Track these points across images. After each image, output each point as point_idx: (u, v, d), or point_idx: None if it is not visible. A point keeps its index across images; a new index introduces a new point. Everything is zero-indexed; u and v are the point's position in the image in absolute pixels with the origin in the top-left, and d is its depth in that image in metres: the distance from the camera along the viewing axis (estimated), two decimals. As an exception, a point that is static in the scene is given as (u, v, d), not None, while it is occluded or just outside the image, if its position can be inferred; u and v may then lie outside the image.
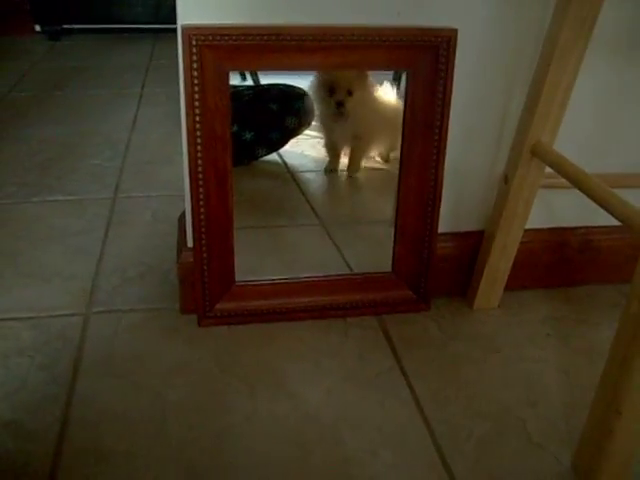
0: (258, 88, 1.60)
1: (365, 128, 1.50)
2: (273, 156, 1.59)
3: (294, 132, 1.57)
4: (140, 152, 1.84)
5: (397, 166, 1.06)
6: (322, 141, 1.55)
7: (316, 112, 1.49)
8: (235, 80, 1.61)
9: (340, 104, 1.38)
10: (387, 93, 1.43)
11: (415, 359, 1.03)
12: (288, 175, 1.58)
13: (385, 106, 1.46)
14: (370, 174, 1.57)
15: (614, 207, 0.82)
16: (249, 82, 1.65)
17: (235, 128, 1.53)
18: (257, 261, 1.20)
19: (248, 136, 1.56)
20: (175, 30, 0.93)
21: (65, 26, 3.15)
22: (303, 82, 1.46)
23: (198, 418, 0.90)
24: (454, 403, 0.95)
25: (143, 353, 1.03)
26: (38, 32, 3.16)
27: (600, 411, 0.80)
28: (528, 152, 1.00)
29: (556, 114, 0.99)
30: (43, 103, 2.25)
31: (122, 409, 0.92)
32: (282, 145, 1.60)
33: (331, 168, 1.56)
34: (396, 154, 1.43)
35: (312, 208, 1.42)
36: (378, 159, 1.56)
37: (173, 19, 0.94)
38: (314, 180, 1.62)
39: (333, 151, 1.55)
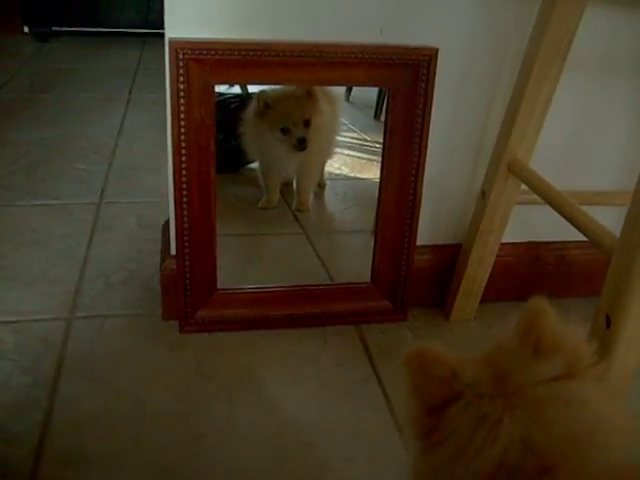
0: (245, 96, 1.62)
1: (317, 153, 1.41)
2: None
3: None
4: (126, 157, 1.85)
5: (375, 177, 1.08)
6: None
7: (260, 150, 1.38)
8: (222, 88, 1.64)
9: (302, 140, 1.28)
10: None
11: (391, 368, 1.05)
12: (259, 205, 1.59)
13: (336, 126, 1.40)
14: (352, 183, 1.60)
15: (582, 224, 0.85)
16: (237, 89, 1.67)
17: (221, 136, 1.55)
18: (240, 268, 1.22)
19: (234, 144, 1.58)
20: (164, 35, 0.95)
21: (54, 28, 3.15)
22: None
23: (177, 423, 0.92)
24: (428, 412, 0.97)
25: (124, 358, 1.04)
26: (26, 33, 3.16)
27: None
28: (505, 168, 1.03)
29: (533, 132, 1.02)
30: (30, 105, 2.26)
31: (103, 413, 0.93)
32: (267, 153, 1.61)
33: (270, 206, 1.46)
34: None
35: (295, 216, 1.44)
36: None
37: (162, 24, 0.96)
38: (283, 212, 1.63)
39: (274, 186, 1.46)
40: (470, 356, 0.53)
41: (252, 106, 1.34)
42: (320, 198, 1.58)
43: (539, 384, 0.48)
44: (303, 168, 1.43)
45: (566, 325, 0.52)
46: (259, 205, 1.45)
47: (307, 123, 1.28)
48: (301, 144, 1.29)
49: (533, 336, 0.50)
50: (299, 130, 1.28)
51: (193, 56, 0.93)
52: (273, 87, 1.29)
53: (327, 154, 1.51)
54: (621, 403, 0.61)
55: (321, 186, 1.52)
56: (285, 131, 1.28)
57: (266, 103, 1.27)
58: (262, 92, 1.30)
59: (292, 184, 1.50)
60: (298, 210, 1.43)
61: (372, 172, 1.08)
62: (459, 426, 0.48)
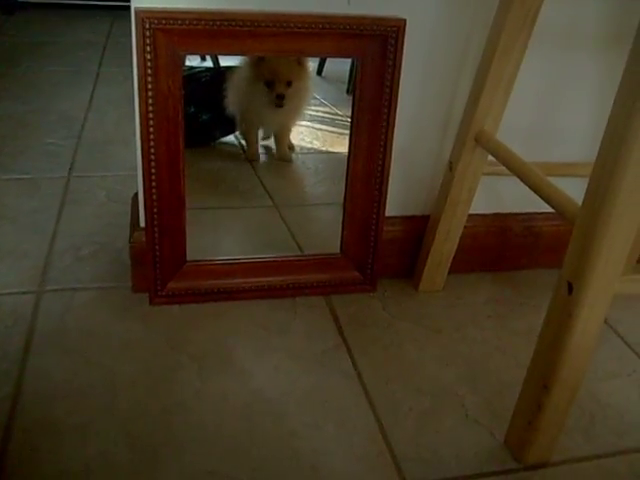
0: (216, 70, 1.61)
1: (297, 116, 1.53)
2: (230, 138, 1.61)
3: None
4: (96, 131, 1.84)
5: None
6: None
7: (243, 101, 1.47)
8: (195, 62, 1.63)
9: (280, 97, 1.37)
10: None
11: (360, 338, 1.07)
12: (244, 157, 1.60)
13: (310, 96, 1.50)
14: (323, 157, 1.60)
15: (547, 194, 0.86)
16: (209, 63, 1.67)
17: (192, 109, 1.55)
18: (211, 241, 1.22)
19: (205, 117, 1.57)
20: (132, 6, 0.94)
21: (20, 0, 3.09)
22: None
23: (148, 393, 0.93)
24: (396, 380, 0.99)
25: (95, 330, 1.04)
26: (-8, 6, 3.10)
27: (530, 387, 0.84)
28: (472, 140, 1.04)
29: (499, 104, 1.03)
30: (-3, 79, 2.22)
31: (73, 384, 0.94)
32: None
33: (253, 157, 1.56)
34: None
35: (266, 190, 1.45)
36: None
37: (132, -3, 0.95)
38: (270, 162, 1.65)
39: (254, 139, 1.56)
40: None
41: (247, 59, 1.40)
42: (291, 171, 1.59)
43: None
44: (280, 127, 1.55)
45: None
46: (246, 155, 1.57)
47: (289, 84, 1.36)
48: (279, 99, 1.37)
49: None
50: (281, 87, 1.35)
51: (160, 26, 0.92)
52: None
53: (299, 118, 1.59)
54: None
55: (290, 147, 1.60)
56: (269, 84, 1.36)
57: (261, 56, 1.34)
58: None
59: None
60: (281, 159, 1.57)
61: (343, 146, 1.08)
62: None
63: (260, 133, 1.58)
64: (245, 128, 1.56)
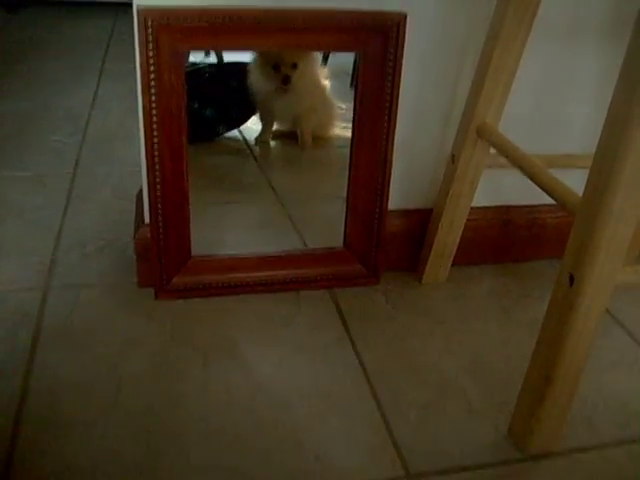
0: (219, 65, 1.62)
1: (307, 101, 1.55)
2: (234, 132, 1.62)
3: (254, 109, 1.60)
4: (100, 128, 1.85)
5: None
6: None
7: (257, 85, 1.51)
8: (198, 57, 1.64)
9: (286, 79, 1.41)
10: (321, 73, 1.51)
11: (364, 330, 1.07)
12: (248, 152, 1.61)
13: (321, 83, 1.54)
14: (329, 150, 1.61)
15: (548, 186, 0.87)
16: (213, 58, 1.67)
17: (196, 105, 1.56)
18: (215, 236, 1.23)
19: (209, 113, 1.58)
20: (135, 3, 0.95)
21: (24, -2, 3.10)
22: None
23: (153, 388, 0.94)
24: (399, 372, 0.99)
25: (101, 326, 1.05)
26: (-4, 4, 3.11)
27: (533, 379, 0.85)
28: (473, 133, 1.05)
29: (501, 96, 1.03)
30: (2, 76, 2.23)
31: (80, 380, 0.95)
32: (243, 122, 1.62)
33: (263, 139, 1.61)
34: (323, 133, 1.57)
35: (270, 184, 1.45)
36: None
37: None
38: (273, 157, 1.65)
39: (268, 123, 1.61)
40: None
41: None
42: (295, 165, 1.59)
43: None
44: (292, 113, 1.58)
45: None
46: (255, 137, 1.61)
47: (295, 66, 1.41)
48: (285, 81, 1.42)
49: None
50: (286, 69, 1.40)
51: (162, 23, 0.93)
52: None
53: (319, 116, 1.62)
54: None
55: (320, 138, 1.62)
56: (276, 68, 1.41)
57: None
58: None
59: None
60: (301, 147, 1.61)
61: (347, 140, 1.09)
62: None
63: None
64: (260, 112, 1.60)
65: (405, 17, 1.00)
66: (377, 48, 1.01)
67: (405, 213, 1.21)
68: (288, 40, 1.00)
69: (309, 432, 0.88)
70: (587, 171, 0.76)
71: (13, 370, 0.96)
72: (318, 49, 1.26)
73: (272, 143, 1.63)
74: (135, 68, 0.97)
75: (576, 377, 0.82)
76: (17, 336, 1.02)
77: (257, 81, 1.49)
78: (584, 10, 1.10)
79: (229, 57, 1.61)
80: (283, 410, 0.91)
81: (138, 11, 0.92)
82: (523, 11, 0.96)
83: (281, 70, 1.40)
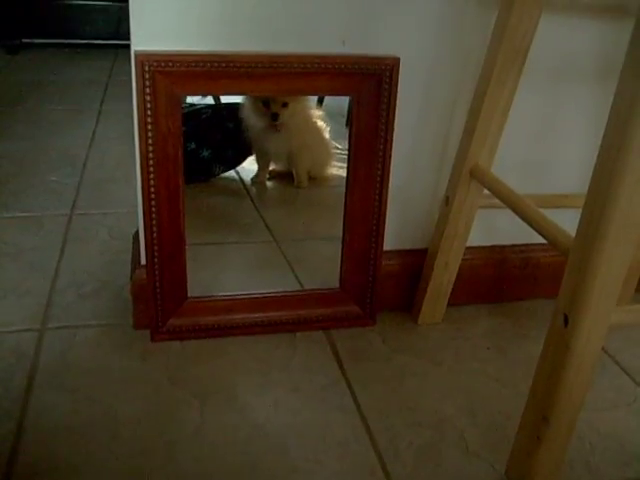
0: (216, 106, 1.64)
1: (299, 139, 1.56)
2: (230, 173, 1.63)
3: (250, 150, 1.61)
4: (98, 169, 1.86)
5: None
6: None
7: (248, 121, 1.52)
8: (195, 98, 1.66)
9: (275, 116, 1.42)
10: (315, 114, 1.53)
11: (360, 372, 1.07)
12: (244, 192, 1.62)
13: (314, 122, 1.55)
14: (326, 190, 1.62)
15: (541, 226, 0.88)
16: (210, 99, 1.69)
17: (193, 146, 1.57)
18: (210, 277, 1.23)
19: (205, 154, 1.59)
20: (133, 47, 0.96)
21: (24, 40, 3.13)
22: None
23: (149, 430, 0.93)
24: (396, 413, 0.99)
25: (97, 367, 1.05)
26: (-4, 46, 3.15)
27: (530, 420, 0.85)
28: (467, 174, 1.06)
29: (493, 138, 1.05)
30: (1, 117, 2.25)
31: (75, 422, 0.94)
32: (239, 163, 1.64)
33: (259, 180, 1.61)
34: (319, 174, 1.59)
35: (266, 225, 1.46)
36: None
37: (131, 36, 0.97)
38: (269, 197, 1.66)
39: (263, 163, 1.61)
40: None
41: None
42: (291, 205, 1.60)
43: None
44: (283, 152, 1.59)
45: None
46: (251, 178, 1.62)
47: (285, 105, 1.42)
48: (274, 118, 1.42)
49: None
50: (276, 107, 1.41)
51: (159, 68, 0.94)
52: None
53: (313, 156, 1.63)
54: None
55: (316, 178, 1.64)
56: (266, 104, 1.42)
57: None
58: None
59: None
60: (297, 187, 1.62)
61: (343, 180, 1.10)
62: None
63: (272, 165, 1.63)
64: (255, 152, 1.61)
65: (398, 61, 1.02)
66: (371, 92, 1.03)
67: (400, 253, 1.21)
68: (282, 85, 1.02)
69: (305, 474, 0.87)
70: (579, 210, 0.77)
71: (8, 411, 0.95)
72: (313, 93, 1.28)
73: (268, 183, 1.64)
74: (132, 109, 0.99)
75: (573, 417, 0.82)
76: (13, 377, 1.02)
77: (248, 117, 1.50)
78: (575, 53, 1.12)
79: (226, 98, 1.63)
80: (280, 452, 0.91)
81: (135, 56, 0.94)
82: (514, 54, 0.98)
83: (271, 107, 1.42)
